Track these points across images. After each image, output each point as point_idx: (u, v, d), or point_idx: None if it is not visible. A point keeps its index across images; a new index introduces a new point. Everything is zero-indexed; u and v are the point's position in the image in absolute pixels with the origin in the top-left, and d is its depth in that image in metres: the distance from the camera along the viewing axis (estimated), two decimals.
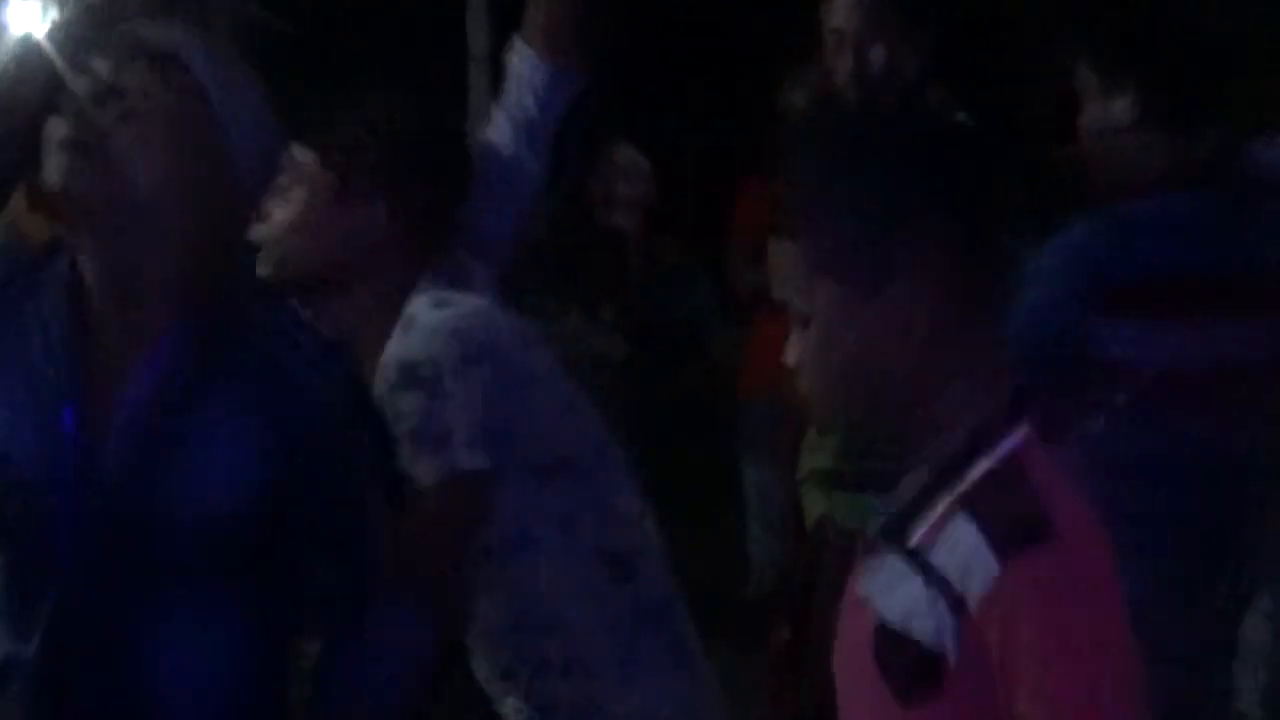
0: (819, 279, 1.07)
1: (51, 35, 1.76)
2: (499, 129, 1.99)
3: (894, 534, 1.04)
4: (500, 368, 1.73)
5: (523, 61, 1.94)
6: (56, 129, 1.27)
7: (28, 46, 1.81)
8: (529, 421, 1.77)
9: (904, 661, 1.01)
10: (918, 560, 1.00)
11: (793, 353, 1.11)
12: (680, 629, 1.88)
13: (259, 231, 1.64)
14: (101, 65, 1.28)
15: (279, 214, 1.71)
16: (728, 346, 3.91)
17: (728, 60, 6.06)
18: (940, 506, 1.01)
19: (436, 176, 1.85)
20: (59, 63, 1.49)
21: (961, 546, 0.97)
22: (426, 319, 1.72)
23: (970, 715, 1.00)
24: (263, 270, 1.68)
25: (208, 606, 1.32)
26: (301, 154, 1.74)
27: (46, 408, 1.29)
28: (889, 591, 1.03)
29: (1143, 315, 1.88)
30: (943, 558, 0.98)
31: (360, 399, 1.48)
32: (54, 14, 1.81)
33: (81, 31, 1.64)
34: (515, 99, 1.96)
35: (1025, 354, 1.30)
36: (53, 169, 1.27)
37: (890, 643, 1.02)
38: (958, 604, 0.96)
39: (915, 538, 1.02)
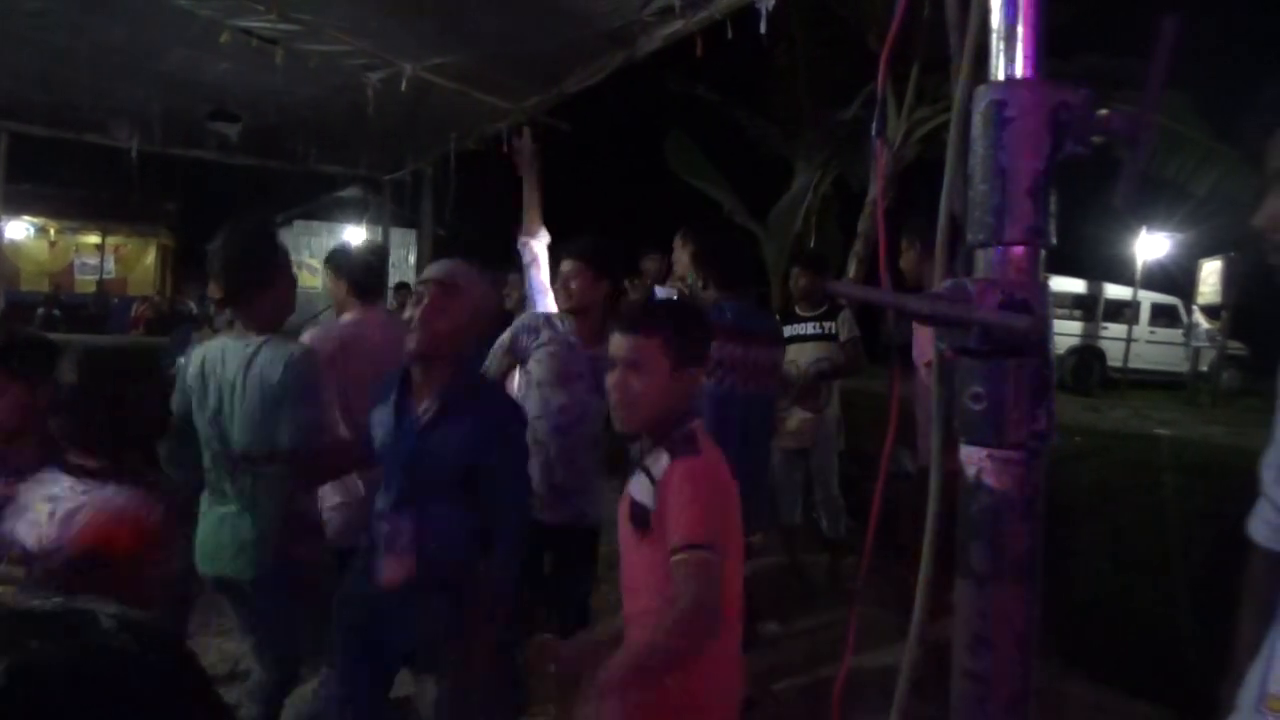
0: (658, 360, 1.93)
1: None
2: None
3: (640, 466, 1.92)
4: None
5: None
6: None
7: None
8: None
9: (638, 513, 1.88)
10: (645, 470, 1.89)
11: (622, 393, 1.95)
12: None
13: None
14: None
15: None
16: None
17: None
18: (658, 452, 1.90)
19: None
20: None
21: (660, 462, 1.87)
22: None
23: (661, 536, 1.78)
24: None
25: (455, 500, 2.35)
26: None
27: (395, 417, 2.45)
28: (636, 486, 1.91)
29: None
30: (653, 467, 1.87)
31: (515, 428, 2.50)
32: None
33: None
34: None
35: None
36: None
37: (634, 507, 1.90)
38: (656, 484, 1.84)
39: (646, 463, 1.91)
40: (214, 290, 3.28)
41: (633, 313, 2.07)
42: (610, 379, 1.98)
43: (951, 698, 0.89)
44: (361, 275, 3.45)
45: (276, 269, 2.77)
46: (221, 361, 2.68)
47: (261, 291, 2.72)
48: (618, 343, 1.98)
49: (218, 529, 2.67)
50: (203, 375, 2.69)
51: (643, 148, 16.69)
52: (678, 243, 3.83)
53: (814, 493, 5.18)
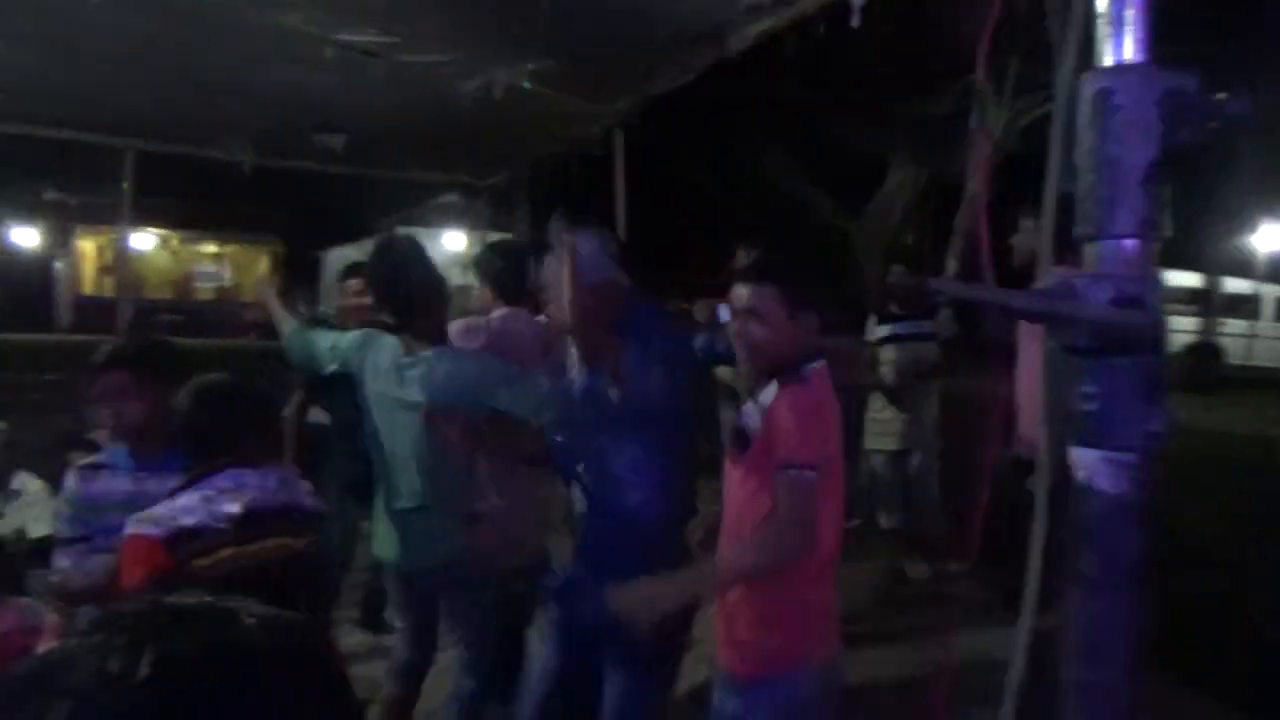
0: (776, 304, 2.09)
1: None
2: None
3: (752, 398, 2.15)
4: None
5: None
6: None
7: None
8: None
9: (738, 435, 2.12)
10: (754, 399, 2.11)
11: (751, 336, 2.11)
12: None
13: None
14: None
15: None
16: None
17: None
18: (770, 385, 2.10)
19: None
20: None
21: (769, 390, 2.08)
22: None
23: (759, 462, 2.02)
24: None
25: (652, 442, 2.36)
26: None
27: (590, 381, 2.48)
28: (746, 414, 2.14)
29: None
30: (761, 396, 2.10)
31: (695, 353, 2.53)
32: None
33: None
34: None
35: None
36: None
37: (736, 432, 2.15)
38: (763, 410, 2.06)
39: (757, 392, 2.12)
40: (366, 301, 3.37)
41: (752, 265, 2.29)
42: (733, 327, 2.19)
43: (1061, 706, 0.86)
44: (502, 278, 3.39)
45: (439, 290, 2.88)
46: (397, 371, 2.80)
47: (432, 310, 2.83)
48: (739, 294, 2.15)
49: (408, 523, 2.84)
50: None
51: (731, 150, 16.63)
52: (739, 259, 3.81)
53: (912, 493, 5.07)
